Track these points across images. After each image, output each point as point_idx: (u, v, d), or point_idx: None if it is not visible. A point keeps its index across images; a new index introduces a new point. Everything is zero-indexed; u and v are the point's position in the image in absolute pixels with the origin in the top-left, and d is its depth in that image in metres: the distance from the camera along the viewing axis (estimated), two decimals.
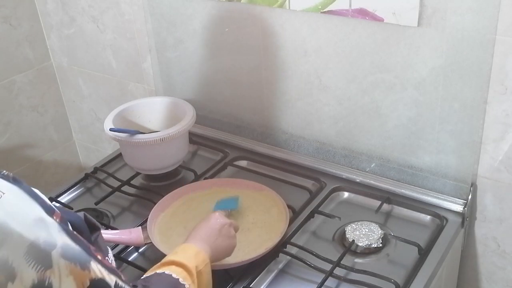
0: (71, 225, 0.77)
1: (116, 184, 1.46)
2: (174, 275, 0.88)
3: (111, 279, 0.75)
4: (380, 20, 1.21)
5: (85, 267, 0.72)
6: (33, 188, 0.74)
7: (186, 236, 1.03)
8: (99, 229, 0.89)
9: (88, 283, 0.72)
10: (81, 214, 0.85)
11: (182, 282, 0.88)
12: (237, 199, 1.28)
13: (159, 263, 0.93)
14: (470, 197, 1.28)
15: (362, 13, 1.23)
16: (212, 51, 1.55)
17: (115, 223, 1.35)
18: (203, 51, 1.57)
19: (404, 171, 1.37)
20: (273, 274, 1.17)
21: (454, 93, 1.21)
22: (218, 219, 1.06)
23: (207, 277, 0.95)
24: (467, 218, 1.29)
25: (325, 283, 1.10)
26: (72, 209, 1.38)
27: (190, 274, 0.90)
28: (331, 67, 1.35)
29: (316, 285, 1.09)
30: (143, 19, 1.65)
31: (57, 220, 0.72)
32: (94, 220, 0.88)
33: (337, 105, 1.40)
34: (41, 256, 0.68)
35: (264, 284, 1.15)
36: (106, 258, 0.83)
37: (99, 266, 0.74)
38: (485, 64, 1.15)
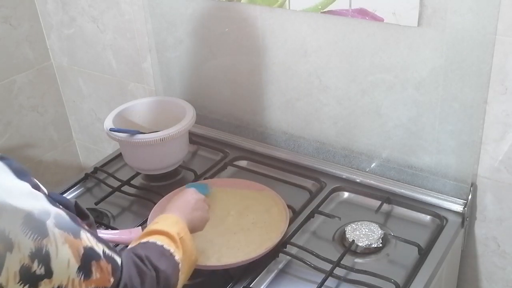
0: (62, 204, 0.80)
1: (116, 184, 1.46)
2: (158, 242, 0.92)
3: (99, 247, 0.79)
4: (380, 20, 1.21)
5: (77, 235, 0.76)
6: (21, 166, 0.78)
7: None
8: (88, 217, 0.91)
9: (82, 251, 0.75)
10: (72, 200, 0.88)
11: (167, 248, 0.91)
12: (206, 185, 1.31)
13: (142, 233, 0.96)
14: (470, 197, 1.28)
15: (362, 13, 1.23)
16: (212, 51, 1.55)
17: (115, 223, 1.35)
18: (203, 51, 1.57)
19: (404, 171, 1.37)
20: (273, 274, 1.17)
21: (454, 93, 1.21)
22: (193, 194, 1.12)
23: (190, 243, 0.98)
24: (467, 218, 1.29)
25: (325, 283, 1.10)
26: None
27: (173, 240, 0.94)
28: (331, 67, 1.35)
29: (316, 285, 1.09)
30: (143, 19, 1.65)
31: (44, 194, 0.76)
32: (84, 208, 0.91)
33: (337, 105, 1.40)
34: (36, 226, 0.71)
35: (264, 284, 1.15)
36: None
37: (88, 235, 0.78)
38: (485, 64, 1.15)
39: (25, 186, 0.74)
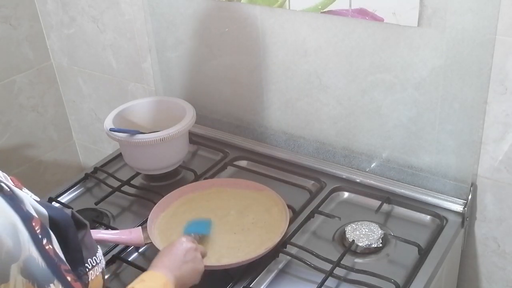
0: (57, 223, 0.74)
1: (116, 184, 1.45)
2: None
3: None
4: (380, 20, 1.21)
5: (42, 287, 0.67)
6: (19, 191, 0.70)
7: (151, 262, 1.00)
8: (86, 226, 0.86)
9: None
10: (68, 211, 0.83)
11: None
12: (209, 223, 1.22)
13: None
14: (470, 197, 1.28)
15: (362, 13, 1.23)
16: (212, 51, 1.55)
17: (115, 223, 1.35)
18: (203, 51, 1.57)
19: (404, 171, 1.37)
20: (273, 274, 1.17)
21: (454, 93, 1.21)
22: (182, 244, 1.03)
23: None
24: (467, 218, 1.29)
25: (325, 283, 1.10)
26: (72, 209, 1.38)
27: None
28: (331, 67, 1.35)
29: (316, 285, 1.09)
30: (143, 19, 1.65)
31: (36, 228, 0.69)
32: (81, 217, 0.85)
33: (337, 105, 1.40)
34: (0, 267, 0.64)
35: (264, 284, 1.15)
36: (94, 258, 0.82)
37: None
38: (485, 64, 1.15)
39: (10, 218, 0.67)
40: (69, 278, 0.71)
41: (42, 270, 0.67)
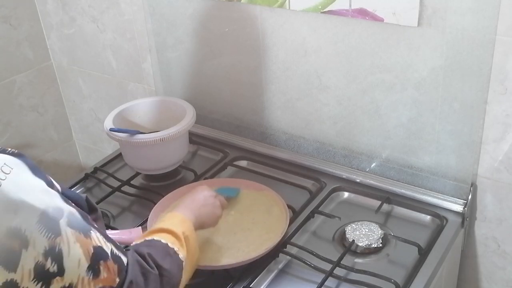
0: (71, 200, 0.82)
1: (116, 184, 1.46)
2: (163, 241, 0.93)
3: (107, 246, 0.81)
4: (380, 20, 1.21)
5: (87, 235, 0.77)
6: (34, 163, 0.78)
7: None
8: (97, 211, 0.94)
9: (92, 250, 0.77)
10: (83, 195, 0.91)
11: (171, 246, 0.93)
12: (238, 190, 1.31)
13: (147, 231, 0.98)
14: (470, 197, 1.28)
15: (362, 13, 1.23)
16: (212, 51, 1.55)
17: (115, 223, 1.35)
18: (203, 51, 1.57)
19: (404, 171, 1.37)
20: (273, 274, 1.17)
21: (454, 93, 1.21)
22: (204, 190, 1.13)
23: (194, 243, 0.99)
24: (467, 218, 1.29)
25: (325, 283, 1.10)
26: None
27: (178, 239, 0.95)
28: (331, 67, 1.35)
29: (316, 285, 1.09)
30: (143, 19, 1.65)
31: (58, 191, 0.78)
32: (93, 203, 0.94)
33: (337, 105, 1.40)
34: (51, 224, 0.73)
35: (264, 284, 1.15)
36: None
37: (98, 235, 0.79)
38: (485, 64, 1.15)
39: (40, 183, 0.76)
40: (96, 226, 0.82)
41: (81, 222, 0.78)
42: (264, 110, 1.54)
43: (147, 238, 0.94)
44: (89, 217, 0.81)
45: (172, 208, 1.08)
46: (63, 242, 0.73)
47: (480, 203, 1.32)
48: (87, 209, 0.89)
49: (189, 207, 1.07)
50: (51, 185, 0.78)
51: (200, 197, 1.11)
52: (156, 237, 0.94)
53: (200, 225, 1.07)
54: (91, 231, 0.78)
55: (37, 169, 0.77)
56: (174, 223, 0.98)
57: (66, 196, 0.80)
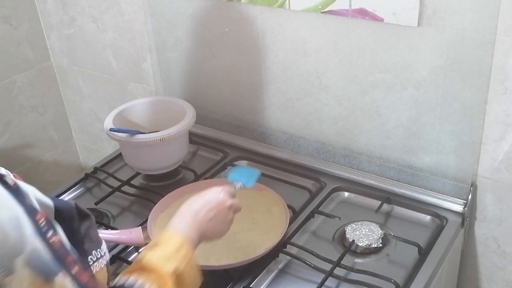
0: (63, 214, 0.74)
1: (116, 184, 1.46)
2: (138, 283, 0.81)
3: None
4: (380, 20, 1.21)
5: (49, 279, 0.66)
6: (24, 184, 0.70)
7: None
8: (89, 217, 0.83)
9: None
10: (72, 202, 0.82)
11: None
12: (256, 174, 1.15)
13: (135, 262, 0.87)
14: (470, 197, 1.28)
15: (362, 13, 1.23)
16: (212, 51, 1.55)
17: (115, 223, 1.35)
18: (203, 51, 1.57)
19: (404, 171, 1.37)
20: (273, 274, 1.17)
21: (454, 93, 1.21)
22: (217, 197, 0.97)
23: (190, 274, 0.88)
24: (467, 218, 1.29)
25: (325, 283, 1.10)
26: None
27: (163, 283, 0.83)
28: (331, 67, 1.35)
29: (316, 285, 1.09)
30: (143, 19, 1.65)
31: (40, 220, 0.68)
32: (84, 209, 0.83)
33: (337, 105, 1.40)
34: (5, 259, 0.63)
35: (264, 284, 1.15)
36: (99, 250, 0.80)
37: (68, 280, 0.67)
38: (485, 64, 1.15)
39: (14, 210, 0.66)
40: (76, 268, 0.70)
41: (47, 262, 0.66)
42: (264, 110, 1.54)
43: (129, 281, 0.81)
44: (70, 258, 0.69)
45: (179, 212, 0.95)
46: (15, 282, 0.62)
47: (480, 203, 1.32)
48: (77, 217, 0.80)
49: (194, 222, 0.93)
50: (32, 213, 0.67)
51: (212, 207, 0.96)
52: (140, 279, 0.81)
53: (203, 240, 0.95)
54: (58, 276, 0.66)
55: (19, 193, 0.68)
56: (167, 255, 0.85)
57: (56, 208, 0.72)
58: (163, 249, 0.87)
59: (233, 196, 1.04)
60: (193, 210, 0.96)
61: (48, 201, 0.74)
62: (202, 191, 1.02)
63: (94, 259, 0.80)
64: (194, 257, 0.90)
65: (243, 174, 1.15)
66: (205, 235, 0.95)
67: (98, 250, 0.82)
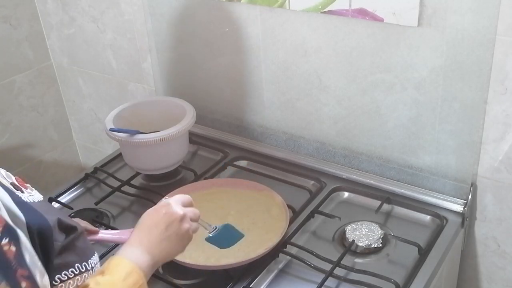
0: (32, 230, 0.71)
1: (116, 184, 1.45)
2: None
3: None
4: (380, 20, 1.21)
5: None
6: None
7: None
8: (76, 230, 0.80)
9: None
10: (53, 218, 0.76)
11: None
12: (236, 239, 1.13)
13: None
14: (470, 197, 1.28)
15: (362, 13, 1.23)
16: (212, 51, 1.55)
17: (115, 223, 1.35)
18: (203, 51, 1.57)
19: (404, 171, 1.37)
20: (273, 274, 1.17)
21: (454, 93, 1.21)
22: (166, 212, 0.90)
23: None
24: (467, 218, 1.29)
25: (325, 283, 1.10)
26: (72, 209, 1.38)
27: None
28: (331, 67, 1.35)
29: (316, 285, 1.09)
30: (143, 19, 1.65)
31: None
32: (70, 222, 0.79)
33: (337, 105, 1.40)
34: None
35: (264, 284, 1.15)
36: (84, 264, 0.78)
37: None
38: (485, 64, 1.15)
39: None
40: (24, 284, 0.67)
41: None
42: (264, 110, 1.54)
43: None
44: (18, 271, 0.67)
45: (131, 236, 0.88)
46: None
47: (480, 203, 1.32)
48: (52, 235, 0.74)
49: (144, 244, 0.86)
50: (7, 230, 0.66)
51: (161, 225, 0.88)
52: None
53: (161, 262, 0.88)
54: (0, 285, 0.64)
55: None
56: (112, 282, 0.78)
57: (28, 225, 0.69)
58: (110, 277, 0.79)
59: (189, 204, 0.96)
60: (142, 234, 0.89)
61: (20, 215, 0.71)
62: (158, 206, 0.95)
63: (77, 272, 0.77)
64: (144, 285, 0.82)
65: (226, 235, 1.11)
66: (161, 256, 0.88)
67: (84, 264, 0.79)
